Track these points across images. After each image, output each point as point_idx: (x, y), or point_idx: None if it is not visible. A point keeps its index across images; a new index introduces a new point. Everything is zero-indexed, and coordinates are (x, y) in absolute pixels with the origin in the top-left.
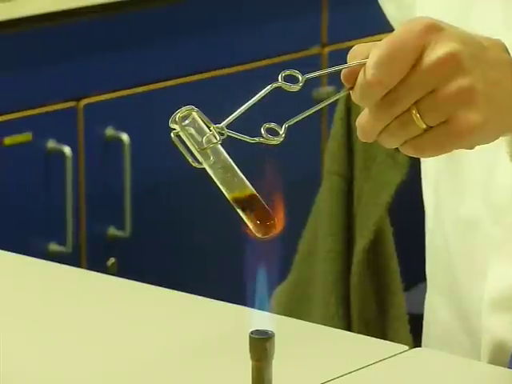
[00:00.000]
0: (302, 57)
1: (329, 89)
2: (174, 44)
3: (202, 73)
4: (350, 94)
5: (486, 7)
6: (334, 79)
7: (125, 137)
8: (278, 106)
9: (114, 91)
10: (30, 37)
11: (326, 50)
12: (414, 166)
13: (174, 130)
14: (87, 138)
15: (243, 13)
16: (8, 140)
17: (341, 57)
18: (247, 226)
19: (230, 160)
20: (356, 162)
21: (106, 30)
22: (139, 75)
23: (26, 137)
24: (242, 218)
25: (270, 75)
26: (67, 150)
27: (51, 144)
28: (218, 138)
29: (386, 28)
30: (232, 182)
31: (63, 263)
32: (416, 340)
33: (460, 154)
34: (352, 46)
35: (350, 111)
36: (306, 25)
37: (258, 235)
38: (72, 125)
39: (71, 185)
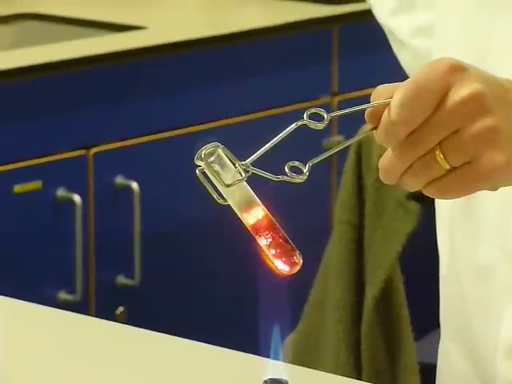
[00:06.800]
0: (312, 106)
1: (338, 138)
2: (182, 94)
3: (210, 122)
4: (361, 142)
5: (501, 54)
6: (344, 128)
7: (134, 185)
8: (286, 155)
9: (123, 140)
10: (40, 85)
11: (336, 99)
12: (427, 215)
13: (200, 166)
14: (97, 187)
15: (253, 62)
16: (18, 188)
17: (350, 106)
18: (270, 264)
19: (255, 197)
20: (366, 211)
21: (115, 79)
22: (148, 124)
23: (35, 185)
24: (266, 256)
25: (280, 124)
26: (77, 198)
27: (61, 192)
28: (243, 174)
29: (396, 77)
30: None
31: (72, 312)
32: None
33: (476, 199)
34: (362, 96)
35: (361, 161)
36: (316, 74)
37: (281, 272)
38: (82, 173)
39: (81, 233)
